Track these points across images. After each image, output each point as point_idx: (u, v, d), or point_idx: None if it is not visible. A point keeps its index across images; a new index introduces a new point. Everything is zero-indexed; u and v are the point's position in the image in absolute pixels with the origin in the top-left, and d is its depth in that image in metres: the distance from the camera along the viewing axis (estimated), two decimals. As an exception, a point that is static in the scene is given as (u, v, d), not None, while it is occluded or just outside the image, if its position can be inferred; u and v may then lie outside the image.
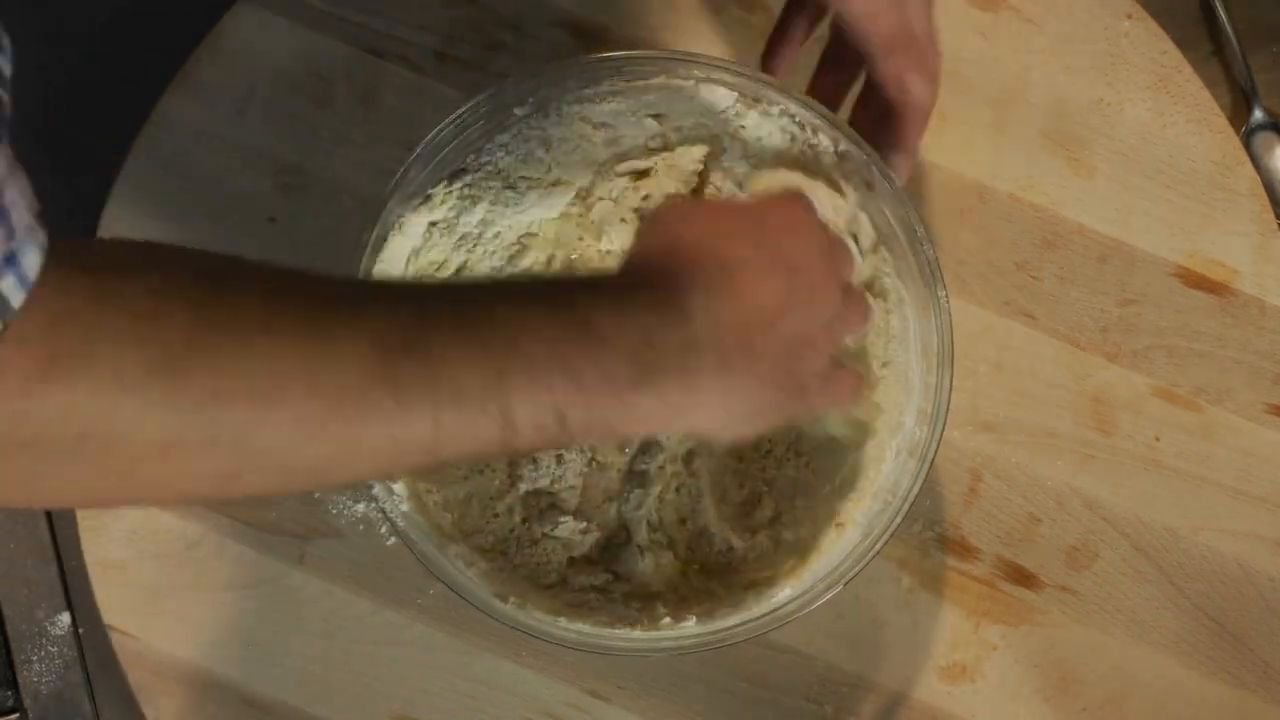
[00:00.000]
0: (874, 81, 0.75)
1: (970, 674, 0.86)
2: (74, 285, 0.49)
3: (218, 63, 0.90)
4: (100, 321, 0.49)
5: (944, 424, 0.76)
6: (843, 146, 0.78)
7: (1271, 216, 0.90)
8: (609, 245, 0.84)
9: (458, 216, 0.81)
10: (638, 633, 0.78)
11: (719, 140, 0.82)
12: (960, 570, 0.87)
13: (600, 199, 0.84)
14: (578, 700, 0.86)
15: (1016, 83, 0.91)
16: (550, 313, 0.57)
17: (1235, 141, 0.90)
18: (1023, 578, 0.87)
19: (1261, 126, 0.94)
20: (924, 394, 0.78)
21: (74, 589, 0.89)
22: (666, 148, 0.83)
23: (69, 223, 0.91)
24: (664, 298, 0.60)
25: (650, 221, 0.68)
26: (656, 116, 0.82)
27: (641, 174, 0.84)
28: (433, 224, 0.81)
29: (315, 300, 0.54)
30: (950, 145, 0.90)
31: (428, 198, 0.80)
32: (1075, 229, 0.89)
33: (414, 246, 0.80)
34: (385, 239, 0.78)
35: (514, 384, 0.55)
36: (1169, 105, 0.90)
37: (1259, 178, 0.90)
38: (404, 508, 0.76)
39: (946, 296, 0.77)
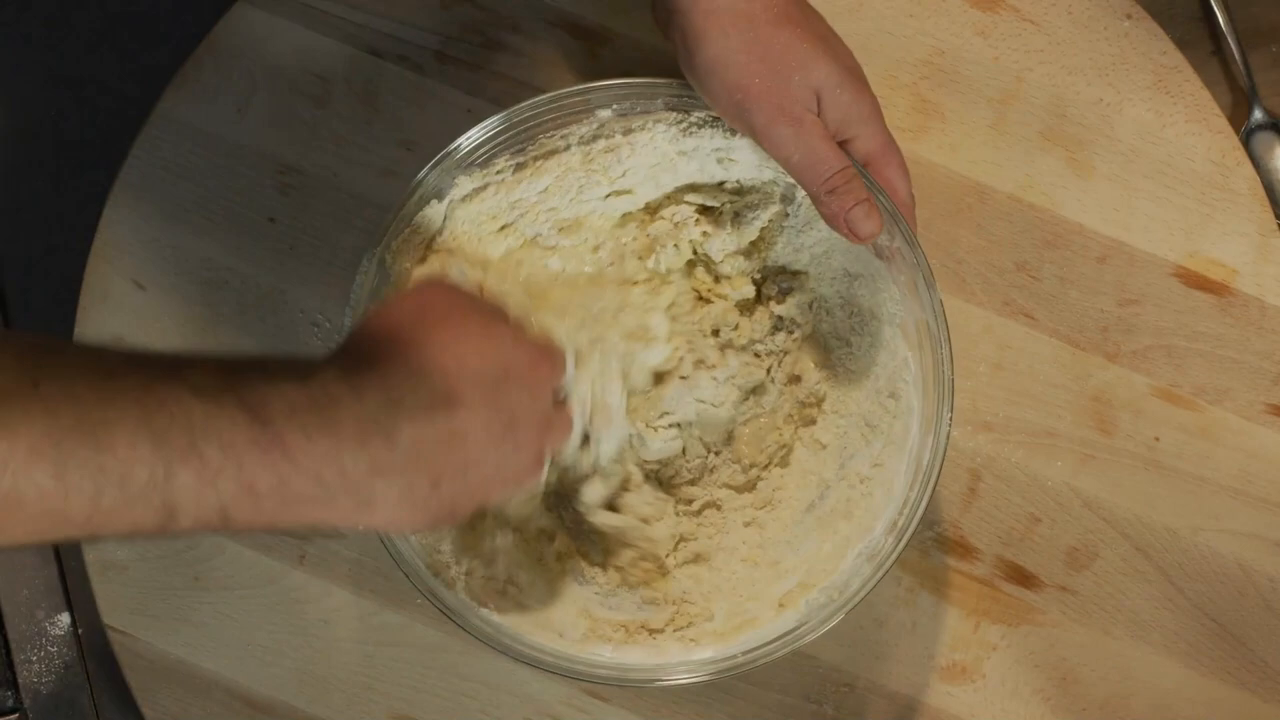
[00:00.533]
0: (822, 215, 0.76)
1: (970, 674, 0.86)
2: None
3: (218, 63, 0.90)
4: None
5: (909, 539, 0.76)
6: (897, 243, 0.78)
7: (1271, 216, 0.90)
8: (653, 266, 0.84)
9: (519, 182, 0.81)
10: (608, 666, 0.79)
11: (789, 201, 0.83)
12: (960, 570, 0.87)
13: (662, 218, 0.84)
14: (578, 700, 0.86)
15: (1016, 83, 0.91)
16: (242, 417, 0.56)
17: (1235, 141, 0.90)
18: (1023, 578, 0.87)
19: (1261, 126, 0.94)
20: (900, 506, 0.78)
21: (74, 589, 0.89)
22: (739, 193, 0.83)
23: (69, 223, 0.92)
24: (369, 416, 0.59)
25: (404, 300, 0.67)
26: (722, 162, 0.82)
27: (706, 210, 0.84)
28: (486, 185, 0.80)
29: (1, 361, 0.54)
30: (950, 145, 0.90)
31: (490, 161, 0.79)
32: (1075, 229, 0.89)
33: (462, 194, 0.80)
34: (430, 197, 0.79)
35: (181, 484, 0.55)
36: (1169, 105, 0.90)
37: (1259, 178, 0.90)
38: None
39: (951, 419, 0.76)
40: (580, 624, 0.80)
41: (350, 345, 0.64)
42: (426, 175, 0.78)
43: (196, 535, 0.59)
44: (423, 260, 0.80)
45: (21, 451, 0.52)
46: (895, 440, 0.81)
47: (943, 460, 0.76)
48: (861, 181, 0.75)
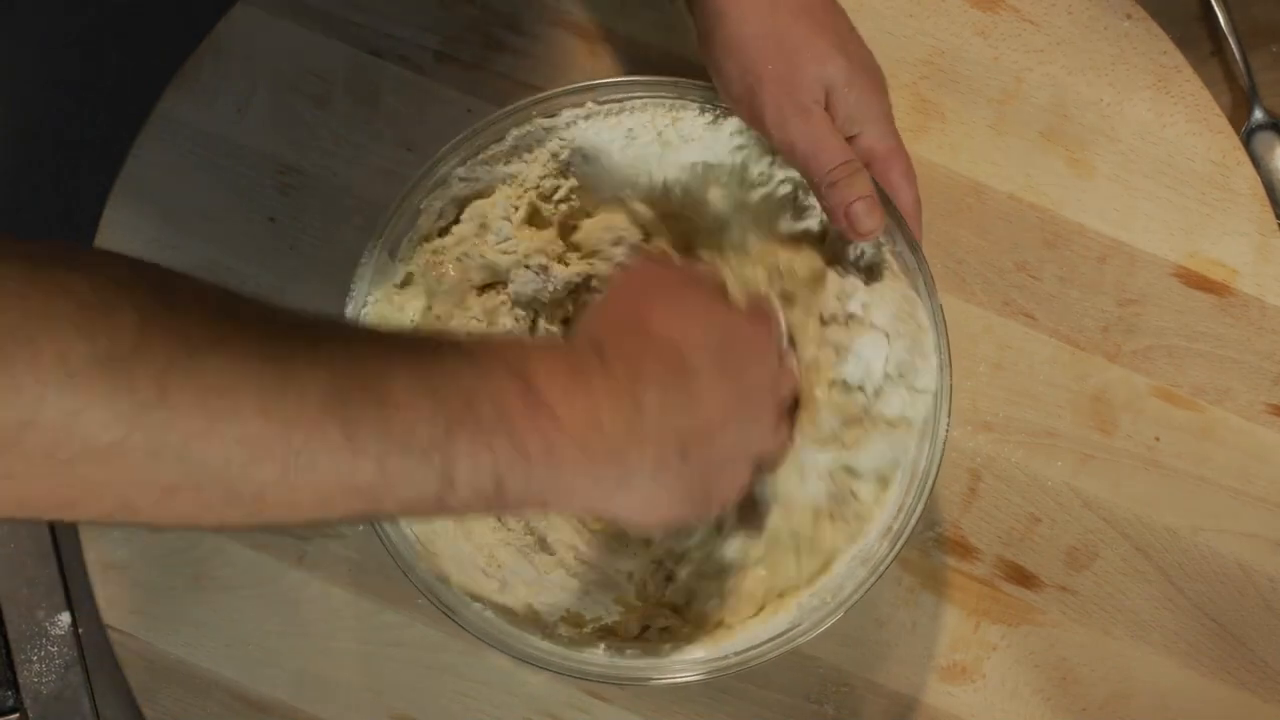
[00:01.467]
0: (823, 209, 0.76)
1: (970, 674, 0.86)
2: (15, 270, 0.47)
3: (218, 63, 0.90)
4: (45, 308, 0.47)
5: (904, 544, 0.76)
6: (899, 248, 0.78)
7: (1271, 216, 0.90)
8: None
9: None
10: (622, 660, 0.78)
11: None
12: (960, 570, 0.87)
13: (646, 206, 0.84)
14: (578, 700, 0.86)
15: (1016, 83, 0.91)
16: (505, 377, 0.57)
17: (1235, 141, 0.90)
18: (1023, 578, 0.87)
19: (1261, 126, 0.94)
20: (895, 513, 0.78)
21: (74, 589, 0.89)
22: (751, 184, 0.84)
23: (69, 222, 0.92)
24: (618, 384, 0.61)
25: (618, 284, 0.69)
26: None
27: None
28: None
29: (272, 326, 0.53)
30: (950, 145, 0.90)
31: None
32: (1075, 229, 0.89)
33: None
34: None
35: (460, 441, 0.55)
36: (1169, 105, 0.90)
37: (1259, 178, 0.90)
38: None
39: (948, 426, 0.76)
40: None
41: (582, 330, 0.65)
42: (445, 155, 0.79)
43: (470, 511, 0.58)
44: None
45: (313, 409, 0.51)
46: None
47: (939, 468, 0.76)
48: (866, 176, 0.74)
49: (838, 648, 0.86)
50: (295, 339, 0.53)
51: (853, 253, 0.79)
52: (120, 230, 0.89)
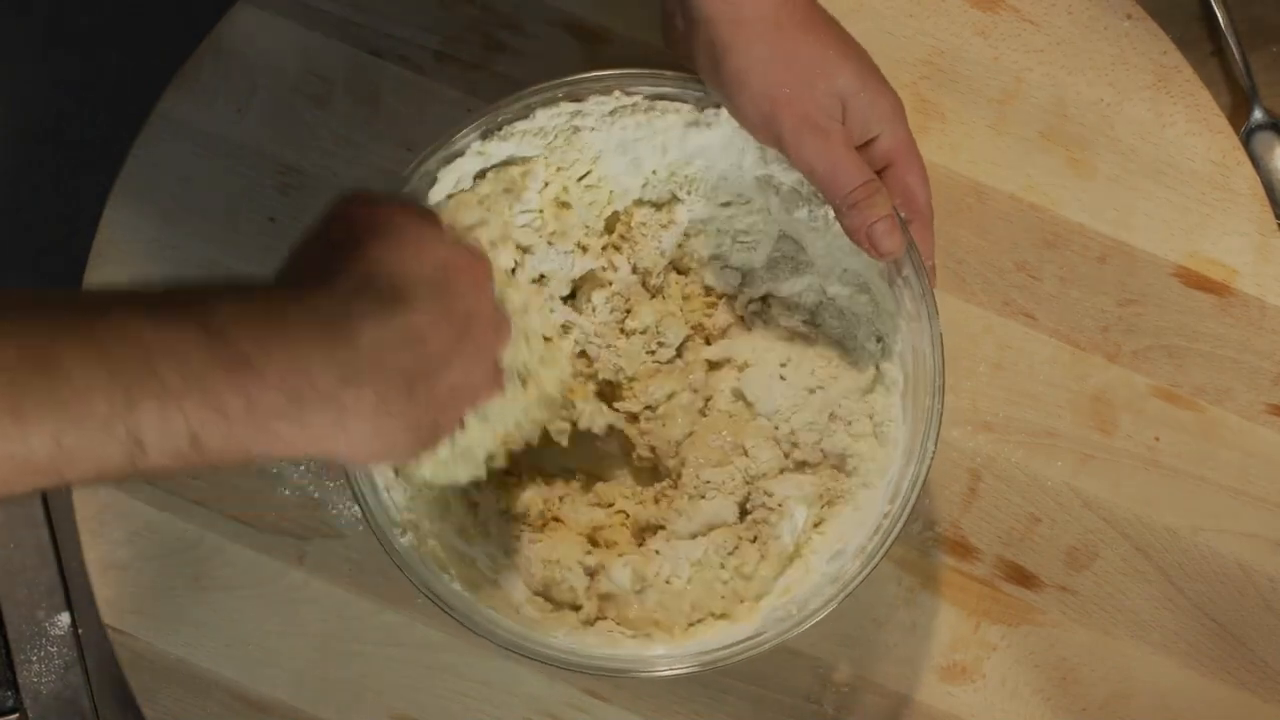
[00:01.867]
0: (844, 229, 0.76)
1: (970, 674, 0.86)
2: None
3: (218, 63, 0.90)
4: None
5: (877, 564, 0.76)
6: (906, 272, 0.78)
7: (1271, 216, 0.90)
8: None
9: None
10: (623, 650, 0.78)
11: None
12: (960, 570, 0.87)
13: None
14: (578, 700, 0.86)
15: (1016, 83, 0.91)
16: (197, 335, 0.54)
17: (1235, 141, 0.90)
18: (1023, 578, 0.87)
19: (1261, 126, 0.94)
20: (872, 531, 0.78)
21: (74, 589, 0.89)
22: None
23: (69, 222, 0.92)
24: (330, 320, 0.58)
25: (333, 215, 0.65)
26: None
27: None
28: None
29: None
30: (950, 145, 0.90)
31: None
32: (1075, 229, 0.89)
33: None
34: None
35: (144, 409, 0.53)
36: (1169, 105, 0.90)
37: (1259, 178, 0.90)
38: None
39: (935, 450, 0.76)
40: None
41: (288, 267, 0.62)
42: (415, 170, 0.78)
43: (171, 472, 0.57)
44: None
45: None
46: (878, 470, 0.81)
47: (920, 490, 0.76)
48: (885, 197, 0.74)
49: (837, 648, 0.86)
50: None
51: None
52: (120, 230, 0.89)
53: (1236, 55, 0.94)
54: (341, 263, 0.60)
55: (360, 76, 0.90)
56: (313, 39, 0.90)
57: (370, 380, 0.58)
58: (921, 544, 0.87)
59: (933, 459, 0.76)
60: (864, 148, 0.75)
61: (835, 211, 0.75)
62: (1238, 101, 0.94)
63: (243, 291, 0.58)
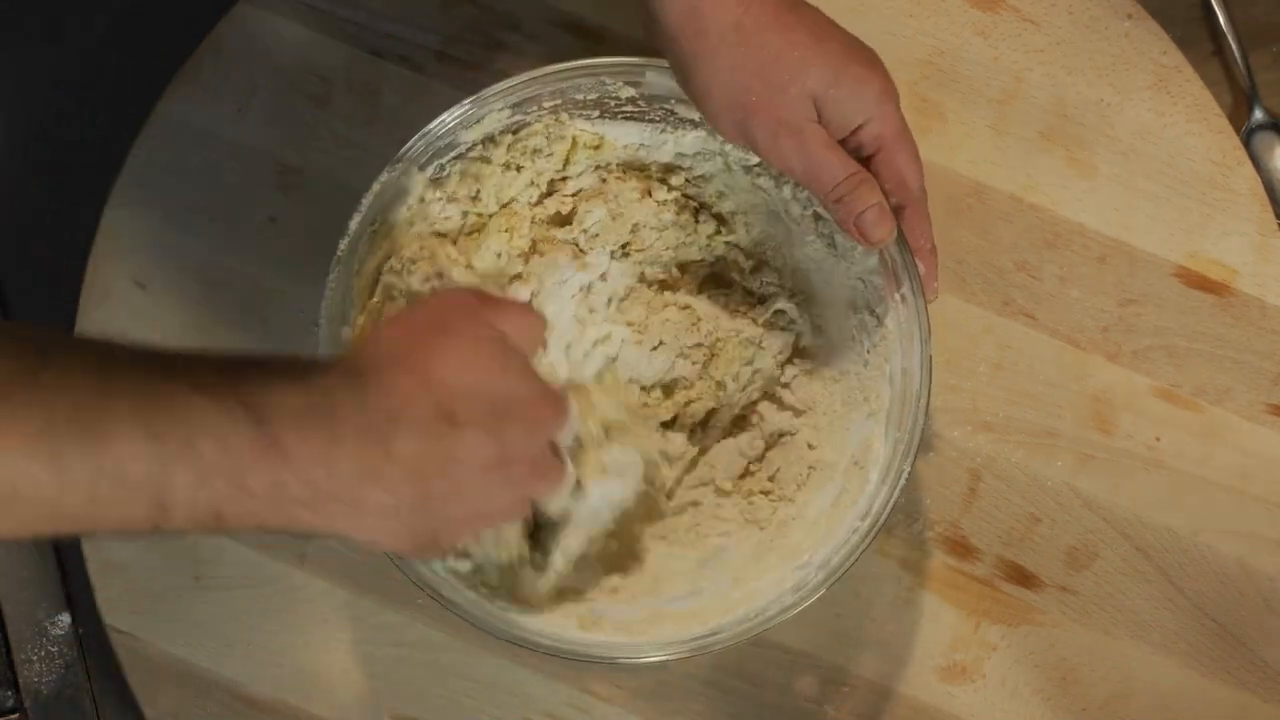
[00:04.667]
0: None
1: (970, 674, 0.86)
2: None
3: (218, 63, 0.90)
4: None
5: (834, 582, 0.75)
6: (904, 289, 0.78)
7: (1271, 216, 0.90)
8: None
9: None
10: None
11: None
12: (960, 570, 0.87)
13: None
14: (578, 700, 0.86)
15: (1016, 83, 0.91)
16: (235, 411, 0.56)
17: (1235, 141, 0.90)
18: (1023, 578, 0.87)
19: (1261, 126, 0.94)
20: (837, 547, 0.77)
21: (74, 589, 0.89)
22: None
23: (69, 222, 0.92)
24: (371, 424, 0.59)
25: (420, 312, 0.67)
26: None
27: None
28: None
29: (7, 354, 0.54)
30: (950, 145, 0.90)
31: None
32: (1075, 229, 0.89)
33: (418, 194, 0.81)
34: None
35: (178, 480, 0.55)
36: (1169, 105, 0.90)
37: (1259, 178, 0.90)
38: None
39: (909, 474, 0.76)
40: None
41: (362, 348, 0.64)
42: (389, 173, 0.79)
43: (188, 533, 0.60)
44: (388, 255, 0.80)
45: (16, 442, 0.53)
46: (851, 484, 0.81)
47: (890, 510, 0.76)
48: (871, 186, 0.73)
49: (837, 647, 0.86)
50: (19, 371, 0.54)
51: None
52: (120, 230, 0.89)
53: (1236, 55, 0.94)
54: (413, 357, 0.62)
55: (360, 76, 0.90)
56: (313, 39, 0.90)
57: (391, 488, 0.60)
58: (921, 544, 0.87)
59: (907, 479, 0.76)
60: (852, 135, 0.74)
61: (825, 208, 0.75)
62: (1238, 101, 0.94)
63: (301, 374, 0.60)
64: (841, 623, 0.86)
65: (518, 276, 0.83)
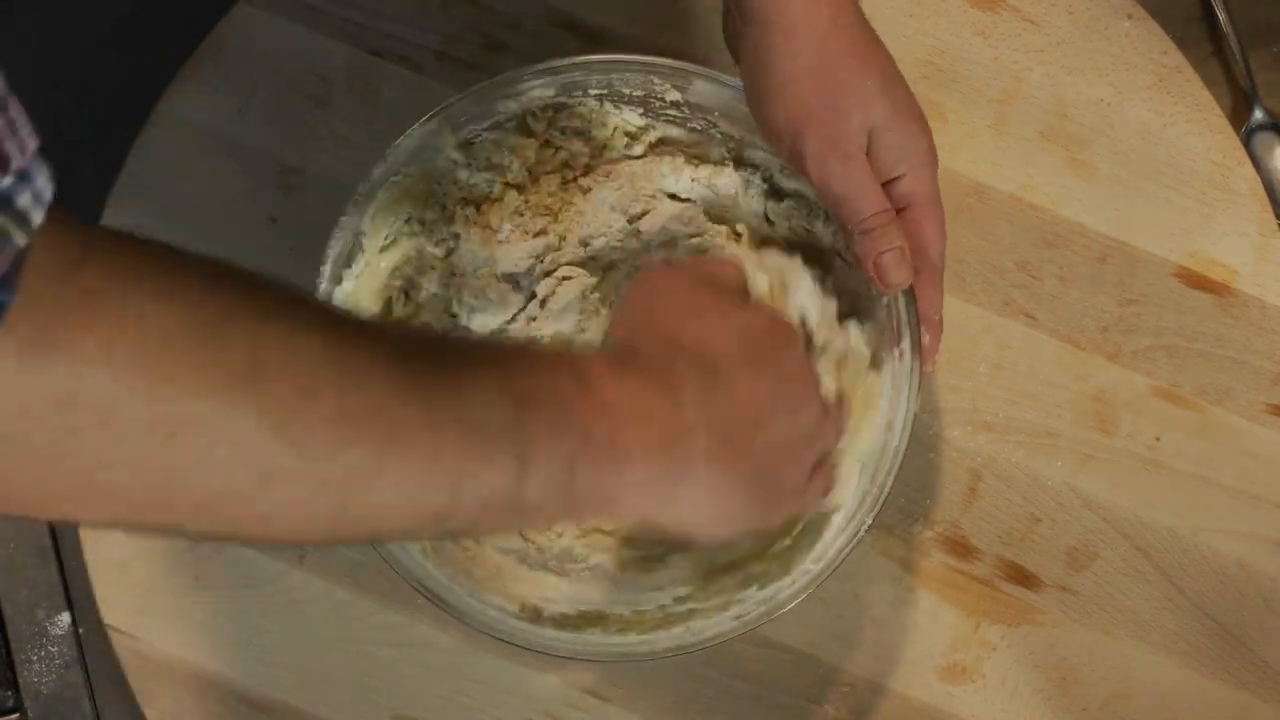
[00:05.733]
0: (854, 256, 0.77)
1: (970, 674, 0.86)
2: (87, 233, 0.46)
3: (218, 63, 0.90)
4: (123, 267, 0.46)
5: (765, 622, 0.76)
6: (903, 345, 0.78)
7: (1271, 216, 0.90)
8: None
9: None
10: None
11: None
12: (960, 570, 0.87)
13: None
14: (578, 700, 0.86)
15: (1016, 83, 0.91)
16: (560, 371, 0.58)
17: (1235, 141, 0.90)
18: (1023, 578, 0.87)
19: (1261, 126, 0.94)
20: (783, 586, 0.77)
21: (74, 589, 0.89)
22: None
23: (69, 223, 0.92)
24: (656, 383, 0.61)
25: (634, 297, 0.68)
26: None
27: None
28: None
29: (334, 317, 0.54)
30: (950, 145, 0.90)
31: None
32: (1075, 229, 0.89)
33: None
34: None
35: (532, 426, 0.55)
36: (1169, 105, 0.90)
37: (1259, 178, 0.90)
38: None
39: (869, 525, 0.76)
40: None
41: (607, 340, 0.66)
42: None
43: (539, 517, 0.60)
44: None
45: (382, 385, 0.52)
46: (815, 527, 0.80)
47: (844, 559, 0.76)
48: (899, 229, 0.74)
49: (838, 648, 0.86)
50: (360, 329, 0.54)
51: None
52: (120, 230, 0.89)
53: (1237, 55, 0.94)
54: (657, 334, 0.64)
55: (360, 76, 0.90)
56: (313, 39, 0.90)
57: (700, 434, 0.61)
58: (922, 544, 0.87)
59: (866, 530, 0.76)
60: (889, 184, 0.74)
61: (847, 237, 0.75)
62: (1238, 101, 0.94)
63: (589, 353, 0.63)
64: (841, 623, 0.86)
65: (541, 232, 0.84)
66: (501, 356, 0.58)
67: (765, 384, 0.64)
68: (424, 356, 0.54)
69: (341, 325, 0.53)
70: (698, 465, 0.61)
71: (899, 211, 0.75)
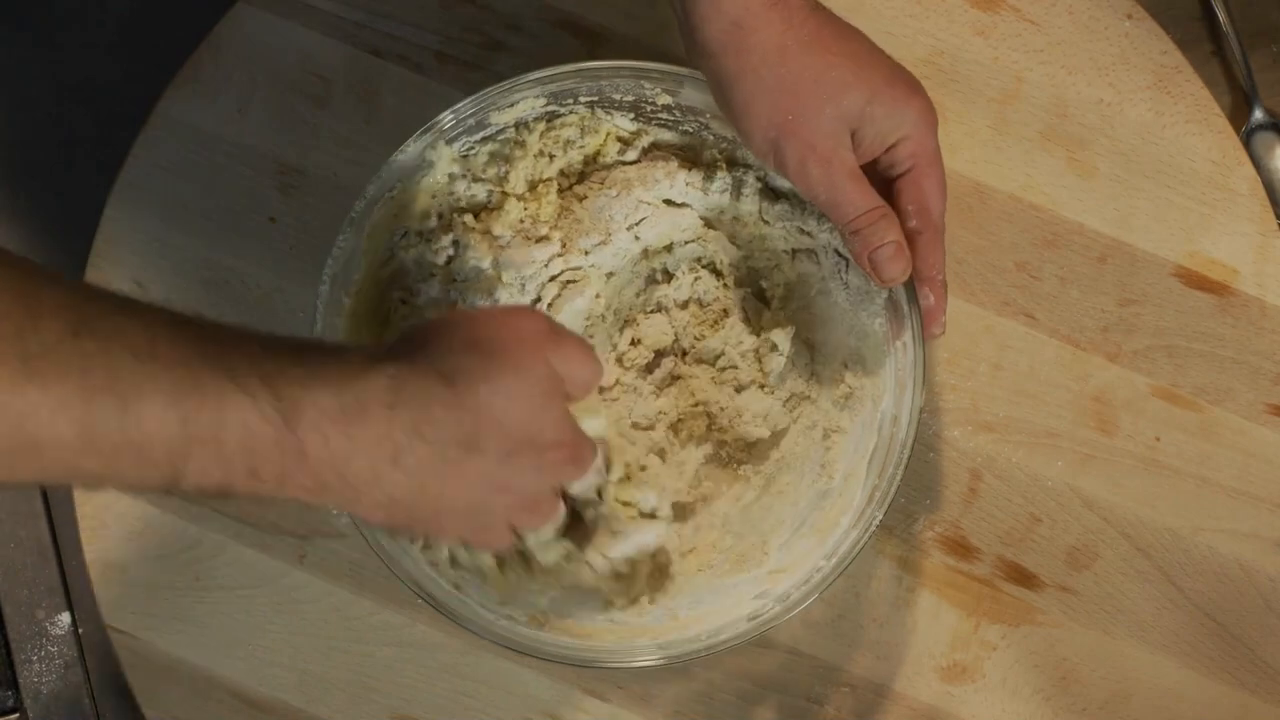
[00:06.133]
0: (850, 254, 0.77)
1: (970, 674, 0.86)
2: None
3: (218, 63, 0.90)
4: None
5: (783, 621, 0.77)
6: (905, 338, 0.78)
7: (1271, 216, 0.90)
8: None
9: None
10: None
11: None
12: (960, 570, 0.87)
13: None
14: (578, 700, 0.86)
15: (1016, 83, 0.91)
16: (266, 407, 0.57)
17: (1235, 141, 0.90)
18: (1023, 578, 0.87)
19: (1261, 126, 0.94)
20: (798, 584, 0.78)
21: (74, 589, 0.89)
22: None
23: (69, 222, 0.92)
24: (392, 434, 0.60)
25: (486, 323, 0.64)
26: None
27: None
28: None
29: (52, 306, 0.56)
30: (950, 145, 0.90)
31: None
32: (1075, 229, 0.89)
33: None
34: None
35: (195, 460, 0.57)
36: (1169, 105, 0.90)
37: (1259, 178, 0.90)
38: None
39: (879, 520, 0.77)
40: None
41: (414, 343, 0.63)
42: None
43: (188, 495, 0.62)
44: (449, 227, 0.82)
45: (51, 402, 0.54)
46: (823, 526, 0.81)
47: (856, 555, 0.76)
48: (892, 222, 0.74)
49: (838, 648, 0.86)
50: (62, 328, 0.55)
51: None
52: (120, 230, 0.89)
53: (1237, 55, 0.94)
54: (462, 371, 0.61)
55: (360, 76, 0.90)
56: (313, 39, 0.90)
57: (390, 488, 0.61)
58: (921, 544, 0.87)
59: (876, 526, 0.76)
60: (887, 152, 0.75)
61: (842, 239, 0.76)
62: (1238, 101, 0.94)
63: (341, 374, 0.60)
64: (842, 623, 0.86)
65: (544, 238, 0.84)
66: (205, 386, 0.57)
67: (489, 490, 0.63)
68: (109, 365, 0.55)
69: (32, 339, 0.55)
70: (368, 505, 0.61)
71: (900, 175, 0.75)
